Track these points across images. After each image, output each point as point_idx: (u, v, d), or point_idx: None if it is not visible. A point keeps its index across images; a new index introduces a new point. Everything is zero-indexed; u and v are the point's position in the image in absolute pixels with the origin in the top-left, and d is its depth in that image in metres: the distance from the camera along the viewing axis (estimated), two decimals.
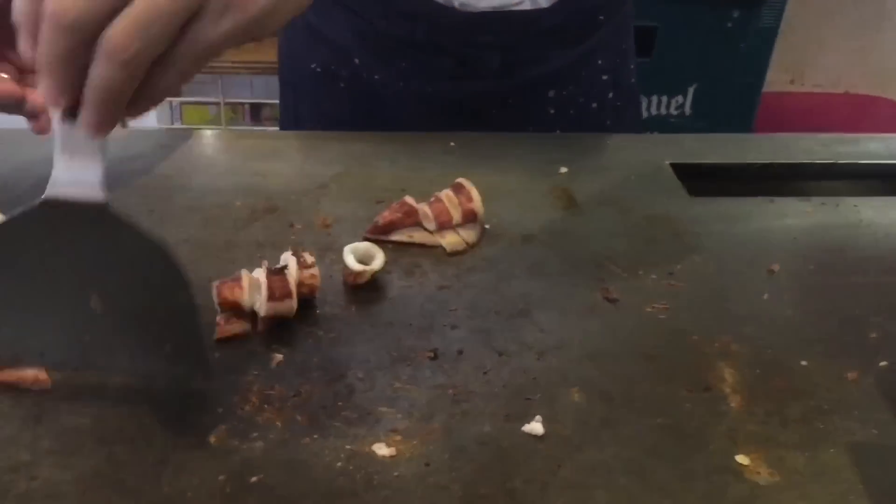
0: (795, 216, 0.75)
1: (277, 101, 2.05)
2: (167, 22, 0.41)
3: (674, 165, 0.83)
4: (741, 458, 0.49)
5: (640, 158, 0.85)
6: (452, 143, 0.87)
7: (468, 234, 0.69)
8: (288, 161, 0.82)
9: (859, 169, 0.84)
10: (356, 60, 0.92)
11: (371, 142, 0.85)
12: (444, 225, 0.68)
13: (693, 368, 0.56)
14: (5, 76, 0.61)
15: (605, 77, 0.95)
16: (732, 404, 0.53)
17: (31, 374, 0.52)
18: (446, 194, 0.69)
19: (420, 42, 0.88)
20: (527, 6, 0.87)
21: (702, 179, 0.82)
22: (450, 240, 0.68)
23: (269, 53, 1.98)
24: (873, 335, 0.59)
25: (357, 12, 0.90)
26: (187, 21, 0.42)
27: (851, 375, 0.56)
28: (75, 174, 0.45)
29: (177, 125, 2.22)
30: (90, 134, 0.44)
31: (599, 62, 0.94)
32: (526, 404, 0.53)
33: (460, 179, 0.70)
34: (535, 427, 0.51)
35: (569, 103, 0.94)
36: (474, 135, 0.88)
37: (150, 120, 2.27)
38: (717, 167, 0.84)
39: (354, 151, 0.83)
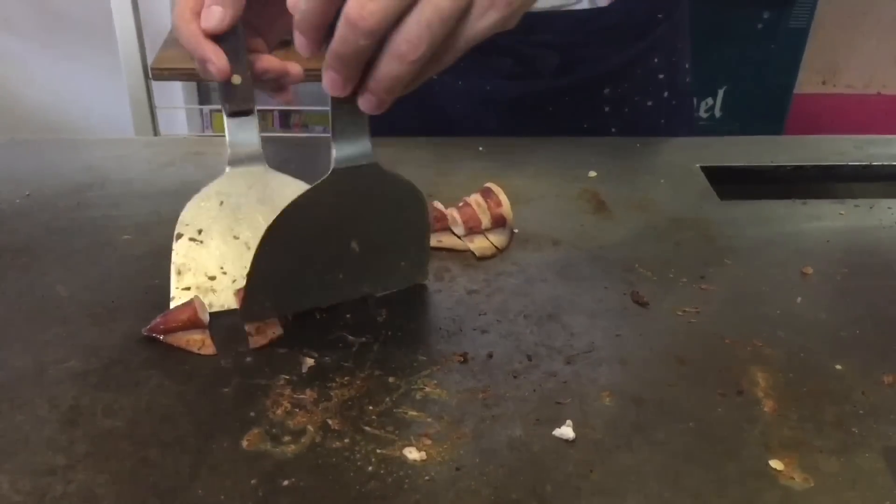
0: (828, 219, 0.74)
1: (305, 108, 2.05)
2: (449, 23, 0.46)
3: (704, 168, 0.82)
4: (775, 463, 0.49)
5: (669, 161, 0.84)
6: (481, 148, 0.87)
7: (497, 239, 0.69)
8: (316, 166, 0.82)
9: (893, 170, 0.83)
10: None
11: (398, 147, 0.85)
12: (473, 229, 0.68)
13: (725, 372, 0.56)
14: (269, 56, 0.69)
15: (661, 76, 0.94)
16: (766, 408, 0.53)
17: (199, 338, 0.57)
18: (475, 199, 0.69)
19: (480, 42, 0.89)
20: (585, 6, 0.88)
21: (732, 182, 0.81)
22: (479, 244, 0.68)
23: (300, 61, 1.99)
24: None
25: None
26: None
27: (887, 379, 0.55)
28: (353, 148, 0.55)
29: (207, 133, 2.25)
30: (371, 113, 0.51)
31: (655, 61, 0.94)
32: (556, 408, 0.53)
33: (489, 184, 0.71)
34: (566, 431, 0.50)
35: (624, 102, 0.94)
36: (503, 139, 0.88)
37: (181, 127, 2.30)
38: (748, 170, 0.83)
39: (382, 157, 0.84)
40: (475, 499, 0.46)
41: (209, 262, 0.62)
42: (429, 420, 0.52)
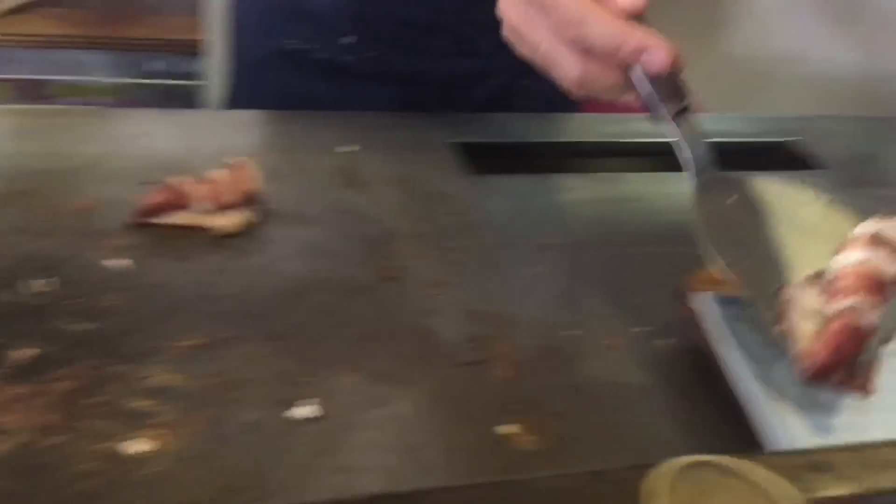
0: (575, 192, 0.78)
1: (60, 77, 1.89)
2: None
3: (460, 144, 0.83)
4: (508, 428, 0.50)
5: (430, 137, 0.85)
6: (240, 120, 0.84)
7: (244, 216, 0.66)
8: (49, 140, 0.76)
9: (635, 147, 0.88)
10: (347, 40, 0.91)
11: (143, 120, 0.80)
12: (218, 207, 0.65)
13: (468, 342, 0.57)
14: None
15: None
16: (505, 375, 0.54)
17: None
18: (221, 174, 0.66)
19: (421, 22, 0.89)
20: None
21: (487, 158, 0.83)
22: (223, 222, 0.65)
23: (40, 25, 1.85)
24: (637, 301, 0.62)
25: None
26: None
27: (612, 342, 0.58)
28: None
29: None
30: None
31: None
32: (298, 388, 0.51)
33: (237, 158, 0.68)
34: (307, 411, 0.49)
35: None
36: (260, 113, 0.86)
37: None
38: (501, 146, 0.86)
39: (125, 130, 0.78)
40: (203, 489, 0.44)
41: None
42: (161, 409, 0.49)
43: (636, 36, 0.48)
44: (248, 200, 0.67)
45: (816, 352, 0.45)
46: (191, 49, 1.84)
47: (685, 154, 0.53)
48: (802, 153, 0.90)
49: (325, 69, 0.94)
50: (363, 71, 0.94)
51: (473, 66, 0.95)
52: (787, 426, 0.46)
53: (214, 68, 1.70)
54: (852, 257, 0.47)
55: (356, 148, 0.81)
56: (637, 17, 0.49)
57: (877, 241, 0.47)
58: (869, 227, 0.49)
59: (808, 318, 0.47)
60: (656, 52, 0.48)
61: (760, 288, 0.49)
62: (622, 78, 0.50)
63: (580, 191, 0.79)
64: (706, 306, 0.54)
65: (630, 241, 0.71)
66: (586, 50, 0.49)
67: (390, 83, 0.94)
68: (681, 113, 0.52)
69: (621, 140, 0.90)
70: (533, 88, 0.97)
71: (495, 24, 0.94)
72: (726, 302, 0.55)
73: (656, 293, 0.62)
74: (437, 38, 0.92)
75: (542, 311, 0.61)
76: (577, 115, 0.96)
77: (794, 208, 0.55)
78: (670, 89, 0.51)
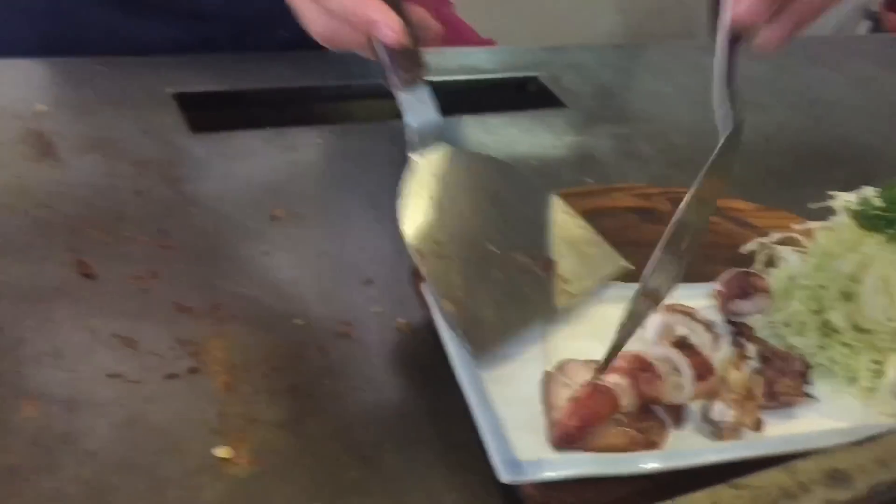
0: (304, 148, 0.72)
1: None
2: None
3: (177, 95, 0.74)
4: (222, 451, 0.45)
5: (140, 88, 0.75)
6: None
7: None
8: None
9: (368, 90, 0.83)
10: None
11: None
12: None
13: (181, 348, 0.51)
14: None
15: None
16: (219, 385, 0.49)
17: None
18: None
19: None
20: None
21: (207, 111, 0.74)
22: None
23: None
24: (373, 279, 0.58)
25: None
26: None
27: (343, 329, 0.54)
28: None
29: None
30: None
31: None
32: None
33: None
34: None
35: None
36: None
37: None
38: (224, 95, 0.77)
39: None
40: None
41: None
42: None
43: (365, 10, 0.50)
44: None
45: (563, 419, 0.44)
46: None
47: (406, 124, 0.54)
48: (542, 90, 0.89)
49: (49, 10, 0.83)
50: (149, 3, 0.84)
51: (270, 6, 0.86)
52: (501, 432, 0.44)
53: None
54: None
55: (43, 107, 0.69)
56: None
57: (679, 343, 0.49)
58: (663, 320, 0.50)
59: (568, 389, 0.47)
60: (381, 28, 0.50)
61: (448, 262, 0.51)
62: (367, 39, 0.52)
63: (312, 147, 0.72)
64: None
65: (322, 209, 0.65)
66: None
67: (180, 19, 0.86)
68: (411, 83, 0.53)
69: (360, 82, 0.84)
70: None
71: None
72: None
73: (393, 269, 0.58)
74: None
75: (266, 299, 0.55)
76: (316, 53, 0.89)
77: (510, 193, 0.56)
78: (405, 60, 0.53)
